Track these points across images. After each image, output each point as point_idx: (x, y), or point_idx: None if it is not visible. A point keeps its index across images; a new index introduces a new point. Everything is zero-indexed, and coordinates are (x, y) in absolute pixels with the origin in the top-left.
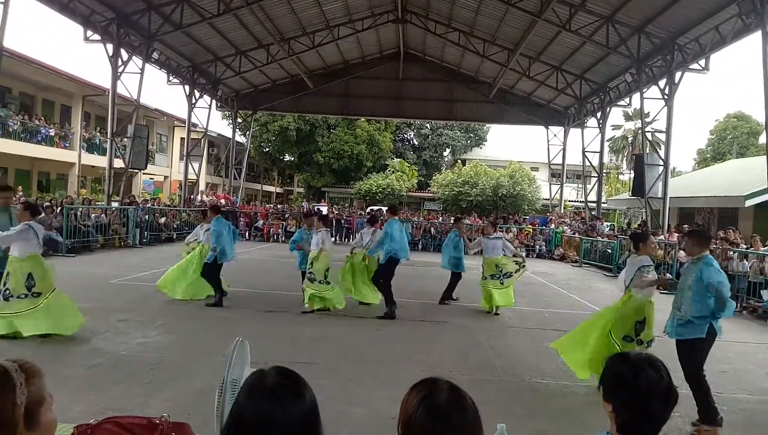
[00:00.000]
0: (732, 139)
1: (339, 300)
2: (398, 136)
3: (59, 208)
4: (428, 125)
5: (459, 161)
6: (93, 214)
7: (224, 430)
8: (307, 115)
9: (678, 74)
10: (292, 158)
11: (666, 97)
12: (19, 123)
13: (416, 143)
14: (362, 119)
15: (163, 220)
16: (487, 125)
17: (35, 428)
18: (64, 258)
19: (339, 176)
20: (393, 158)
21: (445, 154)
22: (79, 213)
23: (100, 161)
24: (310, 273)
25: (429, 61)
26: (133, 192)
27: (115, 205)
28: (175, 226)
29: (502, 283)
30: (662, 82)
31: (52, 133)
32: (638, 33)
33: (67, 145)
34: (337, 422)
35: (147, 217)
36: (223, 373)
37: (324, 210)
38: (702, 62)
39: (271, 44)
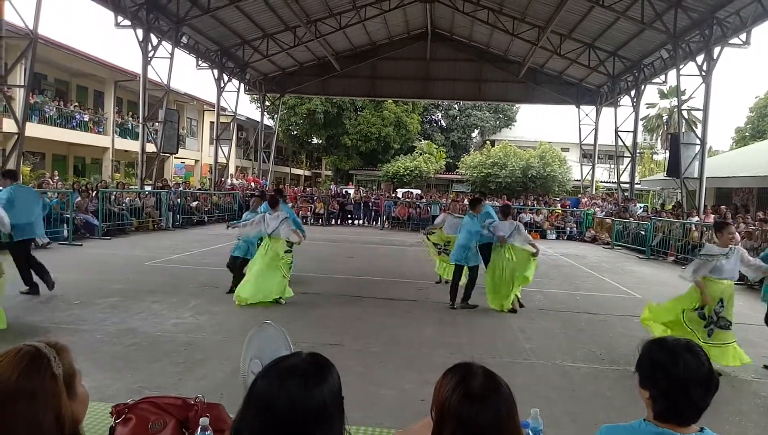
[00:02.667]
0: None
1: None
2: (426, 118)
3: (94, 192)
4: (456, 106)
5: (488, 142)
6: (127, 198)
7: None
8: (335, 98)
9: (717, 49)
10: (320, 141)
11: (704, 73)
12: (54, 109)
13: (444, 124)
14: (390, 101)
15: (194, 203)
16: (517, 105)
17: (74, 399)
18: (100, 241)
19: (367, 159)
20: (421, 140)
21: (473, 135)
22: (113, 197)
23: (132, 146)
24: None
25: (457, 41)
26: (165, 176)
27: (148, 188)
28: (206, 210)
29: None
30: (700, 58)
31: (86, 119)
32: (675, 7)
33: (101, 130)
34: (366, 404)
35: (179, 200)
36: (259, 355)
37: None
38: (743, 36)
39: (297, 26)
